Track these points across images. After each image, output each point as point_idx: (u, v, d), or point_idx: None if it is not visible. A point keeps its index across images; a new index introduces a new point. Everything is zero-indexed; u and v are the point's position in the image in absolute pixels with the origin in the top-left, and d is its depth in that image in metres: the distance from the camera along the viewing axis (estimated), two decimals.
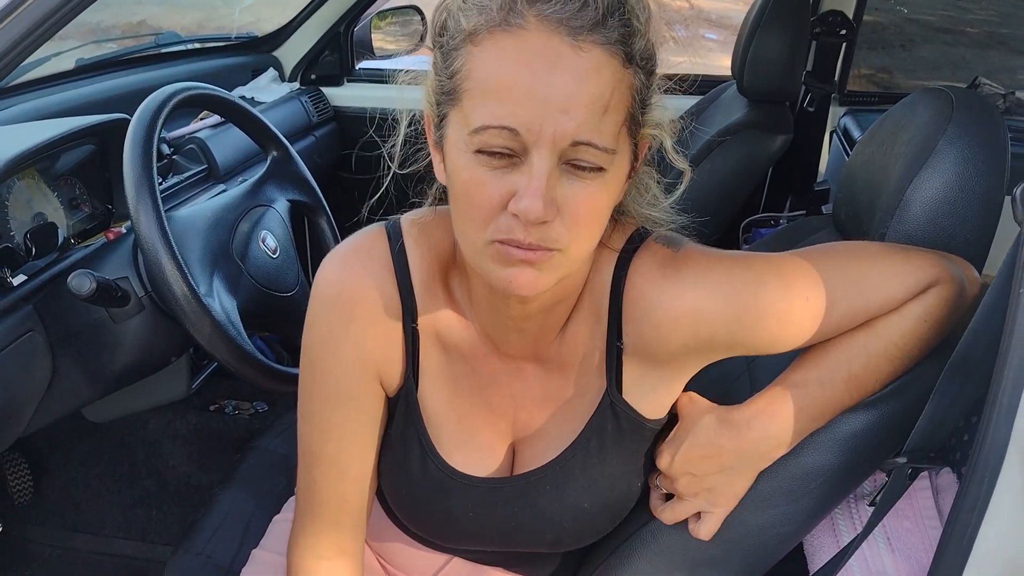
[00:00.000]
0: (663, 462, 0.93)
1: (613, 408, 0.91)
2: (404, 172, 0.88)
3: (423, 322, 0.89)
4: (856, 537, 0.93)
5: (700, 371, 0.95)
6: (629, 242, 0.88)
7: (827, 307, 0.86)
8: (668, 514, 0.94)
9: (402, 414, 0.93)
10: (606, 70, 0.71)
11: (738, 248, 1.39)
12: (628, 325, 0.88)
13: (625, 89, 0.74)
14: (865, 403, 0.92)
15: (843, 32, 2.05)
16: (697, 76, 2.27)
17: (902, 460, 0.88)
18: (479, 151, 0.71)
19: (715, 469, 0.90)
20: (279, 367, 1.27)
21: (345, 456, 0.93)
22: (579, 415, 0.92)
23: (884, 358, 0.87)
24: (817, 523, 0.99)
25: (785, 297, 0.85)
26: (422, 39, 2.36)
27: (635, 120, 0.77)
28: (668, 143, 0.81)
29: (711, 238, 0.93)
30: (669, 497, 0.96)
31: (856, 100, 2.14)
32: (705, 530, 0.92)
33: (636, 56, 0.74)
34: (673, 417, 0.96)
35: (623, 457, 0.94)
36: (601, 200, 0.75)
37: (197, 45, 2.17)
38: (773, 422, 0.88)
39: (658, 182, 0.88)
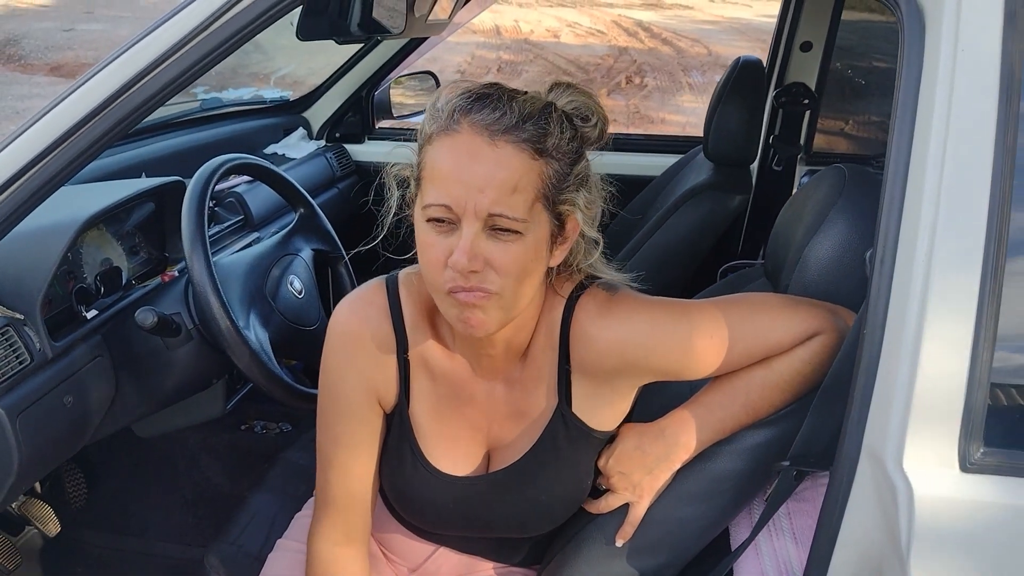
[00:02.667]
0: (602, 462, 1.16)
1: (564, 420, 1.13)
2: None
3: (413, 354, 1.14)
4: (752, 531, 1.14)
5: (654, 393, 1.18)
6: (577, 288, 1.11)
7: (728, 345, 1.09)
8: (602, 504, 1.17)
9: (397, 427, 1.17)
10: (515, 161, 0.95)
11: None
12: (574, 352, 1.10)
13: (535, 175, 0.96)
14: (766, 421, 1.14)
15: (806, 101, 2.30)
16: (686, 137, 2.52)
17: (786, 464, 1.09)
18: (429, 220, 0.97)
19: (639, 468, 1.13)
20: (301, 388, 1.51)
21: (352, 460, 1.16)
22: (537, 426, 1.14)
23: (775, 390, 1.11)
24: (731, 518, 1.20)
25: (691, 335, 1.08)
26: None
27: (548, 198, 0.99)
28: (579, 216, 1.02)
29: (682, 281, 1.17)
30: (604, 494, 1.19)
31: (820, 160, 2.37)
32: (633, 516, 1.15)
33: (548, 150, 0.97)
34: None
35: (574, 460, 1.15)
36: (520, 256, 0.98)
37: (237, 108, 2.43)
38: (683, 432, 1.12)
39: (597, 243, 1.10)
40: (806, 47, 2.27)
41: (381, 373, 1.15)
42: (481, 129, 0.96)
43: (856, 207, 1.20)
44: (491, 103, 0.97)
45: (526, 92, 1.01)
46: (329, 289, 1.90)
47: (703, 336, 1.09)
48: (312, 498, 1.42)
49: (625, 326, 1.09)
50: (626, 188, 2.32)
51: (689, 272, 1.91)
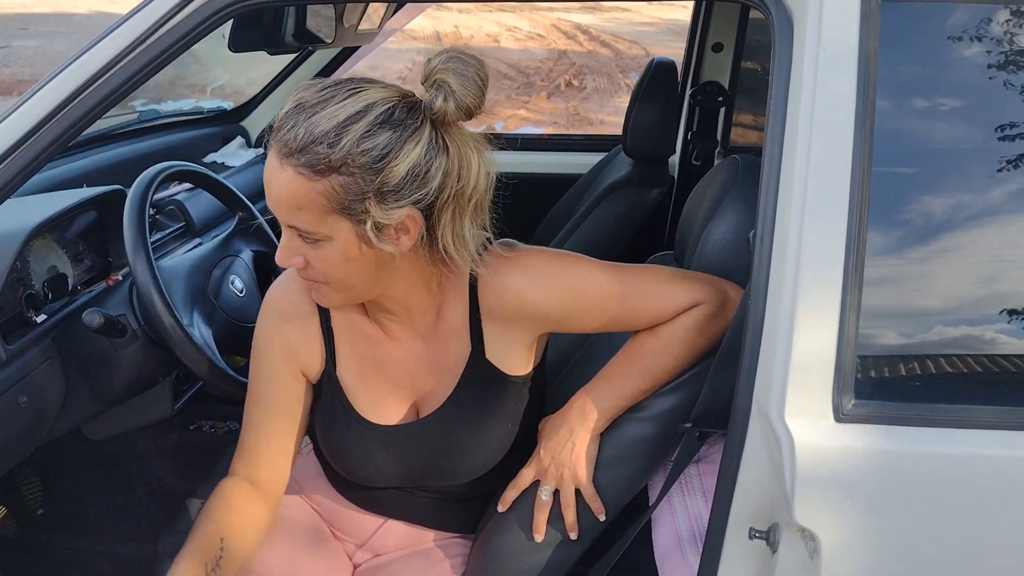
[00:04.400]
0: (537, 466, 1.27)
1: (479, 365, 1.24)
2: None
3: (335, 322, 1.26)
4: (661, 490, 1.26)
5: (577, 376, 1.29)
6: (480, 248, 1.17)
7: (617, 303, 1.21)
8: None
9: (327, 390, 1.28)
10: (295, 184, 1.04)
11: None
12: (482, 300, 1.22)
13: (316, 195, 1.03)
14: (671, 388, 1.26)
15: (720, 99, 2.44)
16: (613, 135, 2.64)
17: (689, 425, 1.21)
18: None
19: (563, 447, 1.24)
20: (245, 380, 1.59)
21: (266, 418, 1.28)
22: (455, 373, 1.25)
23: (666, 356, 1.23)
24: (647, 480, 1.30)
25: (582, 286, 1.21)
26: None
27: (344, 207, 1.04)
28: (369, 223, 1.05)
29: None
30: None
31: (736, 153, 2.50)
32: (564, 499, 1.26)
33: (334, 168, 1.02)
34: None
35: (494, 404, 1.26)
36: (330, 256, 1.09)
37: (176, 119, 2.49)
38: (588, 403, 1.24)
39: (489, 240, 1.18)
40: (718, 48, 2.41)
41: (306, 342, 1.27)
42: (277, 151, 1.06)
43: (747, 193, 1.32)
44: (290, 123, 1.04)
45: (354, 93, 1.04)
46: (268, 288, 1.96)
47: (592, 288, 1.21)
48: None
49: (521, 274, 1.20)
50: (557, 186, 2.46)
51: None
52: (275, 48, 1.88)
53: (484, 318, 1.23)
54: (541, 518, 1.27)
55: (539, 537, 1.27)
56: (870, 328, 1.07)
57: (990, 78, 1.09)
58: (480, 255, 1.18)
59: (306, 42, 1.97)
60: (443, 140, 1.07)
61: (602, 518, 1.26)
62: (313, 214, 1.05)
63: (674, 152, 2.47)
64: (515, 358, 1.26)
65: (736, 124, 2.49)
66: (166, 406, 1.81)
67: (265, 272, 1.87)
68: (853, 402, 1.06)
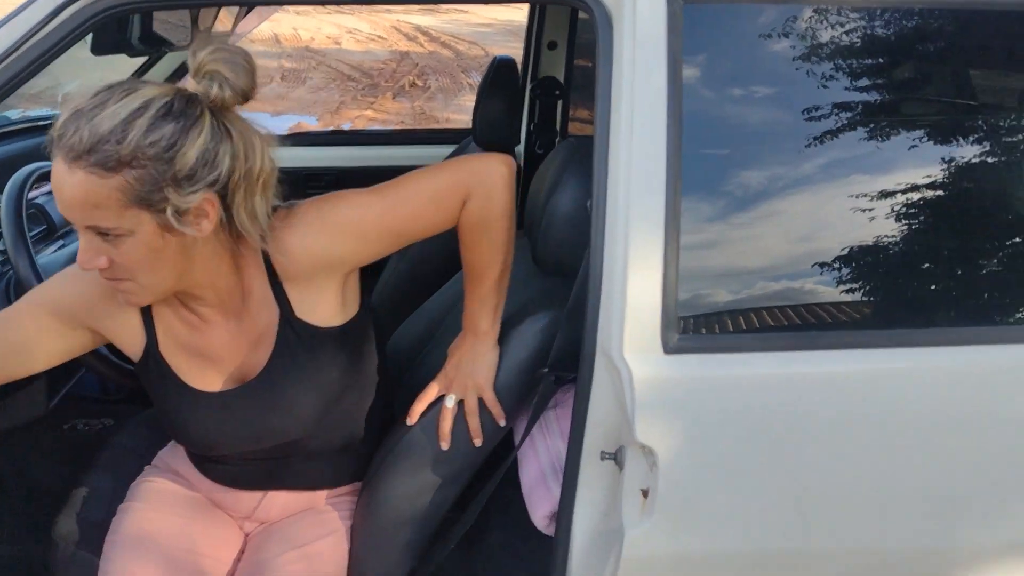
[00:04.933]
0: (443, 378, 1.41)
1: (292, 326, 1.31)
2: None
3: (155, 309, 1.33)
4: (524, 432, 1.43)
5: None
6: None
7: (393, 216, 1.29)
8: (452, 406, 1.39)
9: (155, 370, 1.35)
10: (88, 184, 1.08)
11: None
12: (277, 268, 1.28)
13: (112, 190, 1.08)
14: (531, 340, 1.44)
15: (557, 92, 2.66)
16: (464, 128, 2.81)
17: (545, 371, 1.39)
18: None
19: (466, 359, 1.40)
20: (126, 365, 1.63)
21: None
22: (271, 339, 1.32)
23: (491, 249, 1.35)
24: (511, 424, 1.49)
25: (356, 215, 1.28)
26: None
27: (143, 199, 1.10)
28: (170, 210, 1.12)
29: (456, 254, 1.39)
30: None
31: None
32: (468, 407, 1.39)
33: (125, 163, 1.07)
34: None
35: (314, 361, 1.33)
36: (134, 250, 1.13)
37: (27, 124, 2.47)
38: (475, 319, 1.40)
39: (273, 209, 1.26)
40: (552, 46, 2.63)
41: (126, 322, 1.33)
42: (63, 156, 1.09)
43: (582, 169, 1.52)
44: (72, 128, 1.08)
45: (130, 93, 1.11)
46: None
47: (367, 214, 1.29)
48: (149, 465, 1.58)
49: (300, 230, 1.26)
50: None
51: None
52: (134, 51, 1.93)
53: (284, 282, 1.29)
54: (446, 426, 1.38)
55: (445, 445, 1.38)
56: (687, 275, 1.28)
57: (780, 69, 1.33)
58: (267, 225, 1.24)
59: (162, 45, 2.03)
60: (224, 126, 1.16)
61: (502, 423, 1.39)
62: (111, 210, 1.10)
63: (520, 142, 2.67)
64: (327, 310, 1.33)
65: (573, 116, 2.73)
66: (40, 405, 1.83)
67: None
68: (677, 337, 1.27)
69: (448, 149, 2.59)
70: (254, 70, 1.17)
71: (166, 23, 2.01)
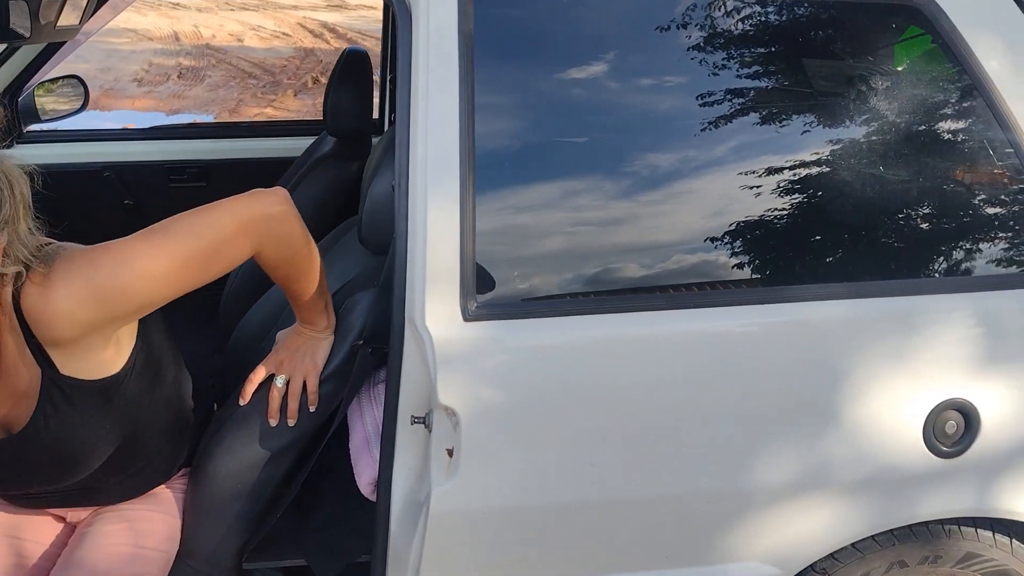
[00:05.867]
0: (274, 361, 1.48)
1: (57, 384, 1.23)
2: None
3: None
4: (344, 397, 1.49)
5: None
6: (18, 277, 1.16)
7: (181, 269, 1.22)
8: (281, 385, 1.46)
9: None
10: None
11: None
12: (35, 331, 1.17)
13: None
14: (354, 322, 1.51)
15: None
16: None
17: (360, 343, 1.47)
18: None
19: (301, 347, 1.48)
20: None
21: None
22: (33, 396, 1.24)
23: (300, 274, 1.40)
24: (340, 397, 1.55)
25: (135, 278, 1.18)
26: (85, 102, 2.75)
27: None
28: (23, 227, 1.14)
29: (321, 238, 1.45)
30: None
31: None
32: (311, 386, 1.47)
33: None
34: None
35: (81, 413, 1.27)
36: None
37: None
38: (306, 321, 1.48)
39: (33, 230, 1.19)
40: None
41: None
42: None
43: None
44: None
45: None
46: None
47: (149, 282, 1.20)
48: None
49: (66, 292, 1.15)
50: (276, 169, 2.64)
51: (326, 230, 2.26)
52: None
53: (45, 344, 1.19)
54: (275, 404, 1.45)
55: (273, 422, 1.46)
56: (484, 250, 1.37)
57: (567, 50, 1.43)
58: (18, 286, 1.15)
59: (3, 39, 2.02)
60: None
61: (312, 409, 1.47)
62: None
63: (383, 132, 2.73)
64: (98, 363, 1.25)
65: None
66: None
67: None
68: (475, 304, 1.36)
69: (308, 141, 2.64)
70: None
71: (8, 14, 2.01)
